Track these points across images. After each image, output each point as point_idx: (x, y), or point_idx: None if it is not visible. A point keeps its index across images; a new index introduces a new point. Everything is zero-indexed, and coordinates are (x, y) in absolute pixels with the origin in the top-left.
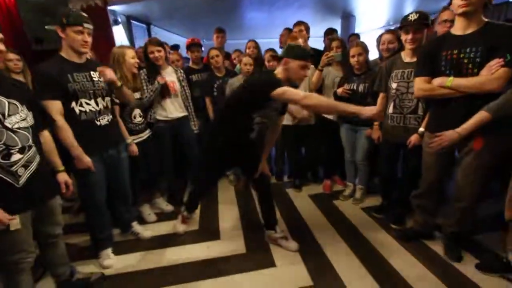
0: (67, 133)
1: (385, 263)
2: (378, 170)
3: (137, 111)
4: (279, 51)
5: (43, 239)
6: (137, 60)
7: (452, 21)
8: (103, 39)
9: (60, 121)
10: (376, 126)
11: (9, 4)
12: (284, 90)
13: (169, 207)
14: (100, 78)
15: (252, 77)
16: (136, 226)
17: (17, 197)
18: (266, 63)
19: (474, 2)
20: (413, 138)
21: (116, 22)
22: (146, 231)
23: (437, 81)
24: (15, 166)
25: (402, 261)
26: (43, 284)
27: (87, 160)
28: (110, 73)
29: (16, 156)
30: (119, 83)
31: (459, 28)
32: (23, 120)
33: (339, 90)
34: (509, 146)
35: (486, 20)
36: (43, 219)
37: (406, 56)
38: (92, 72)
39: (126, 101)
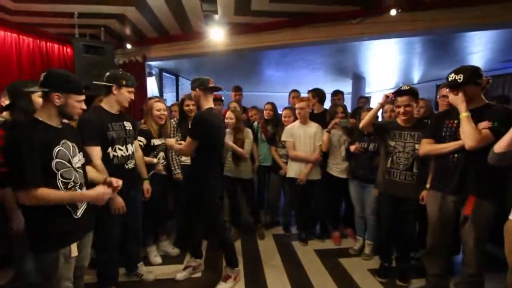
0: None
1: None
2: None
3: (161, 154)
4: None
5: (74, 271)
6: (163, 113)
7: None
8: (138, 89)
9: (100, 165)
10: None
11: (66, 58)
12: None
13: (175, 250)
14: (130, 127)
15: None
16: (141, 267)
17: (74, 227)
18: (283, 118)
19: (470, 94)
20: (424, 194)
21: (150, 74)
22: (150, 274)
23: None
24: None
25: None
26: None
27: (120, 200)
28: None
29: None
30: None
31: None
32: (79, 160)
33: (353, 147)
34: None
35: (486, 101)
36: (80, 250)
37: (401, 122)
38: (125, 122)
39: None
